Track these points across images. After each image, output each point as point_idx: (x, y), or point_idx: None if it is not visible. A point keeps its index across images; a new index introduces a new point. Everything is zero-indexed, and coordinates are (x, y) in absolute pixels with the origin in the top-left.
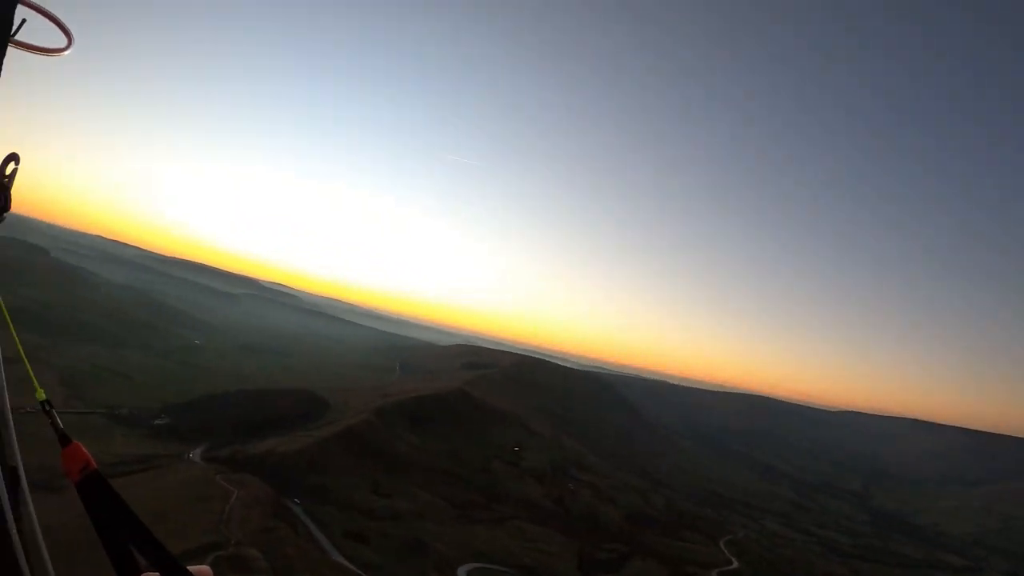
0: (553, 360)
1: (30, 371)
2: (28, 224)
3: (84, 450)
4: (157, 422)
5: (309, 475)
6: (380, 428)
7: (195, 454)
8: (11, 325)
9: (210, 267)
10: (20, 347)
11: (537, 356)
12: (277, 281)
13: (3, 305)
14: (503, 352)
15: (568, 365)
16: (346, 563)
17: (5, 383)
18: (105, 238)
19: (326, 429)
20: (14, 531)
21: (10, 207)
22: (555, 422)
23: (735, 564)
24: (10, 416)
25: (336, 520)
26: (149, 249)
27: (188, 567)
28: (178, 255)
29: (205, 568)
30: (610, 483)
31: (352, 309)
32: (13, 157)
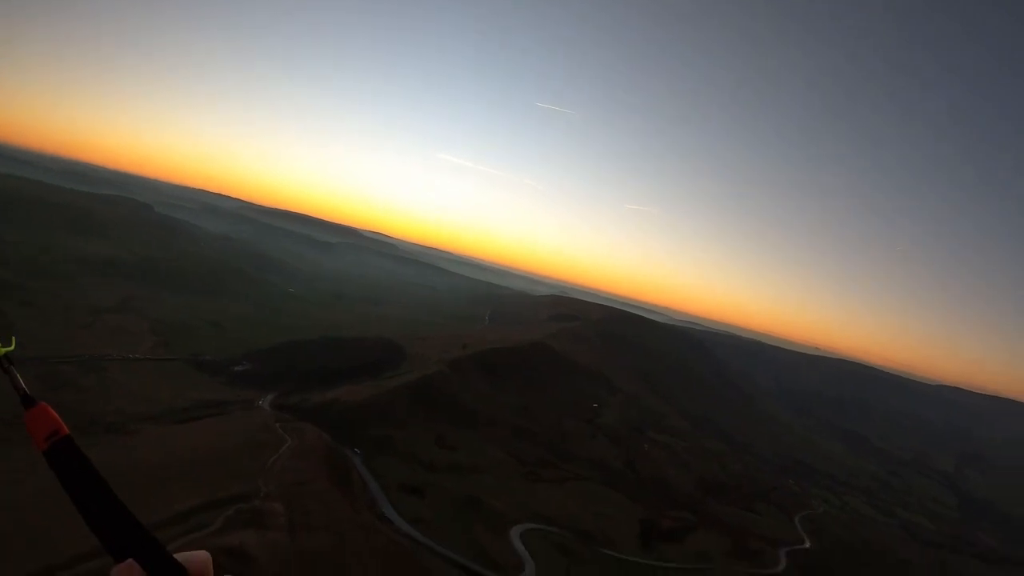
0: (644, 315)
1: None
2: (134, 181)
3: (52, 413)
4: (237, 369)
5: (374, 425)
6: (453, 380)
7: (265, 401)
8: None
9: (311, 217)
10: None
11: (628, 310)
12: (377, 230)
13: None
14: (594, 304)
15: (659, 320)
16: (395, 517)
17: None
18: (208, 191)
19: (398, 379)
20: None
21: None
22: (639, 379)
23: (807, 544)
24: None
25: (394, 472)
26: (251, 201)
27: (183, 552)
28: (279, 206)
29: (202, 553)
30: (687, 446)
31: (449, 257)
32: None
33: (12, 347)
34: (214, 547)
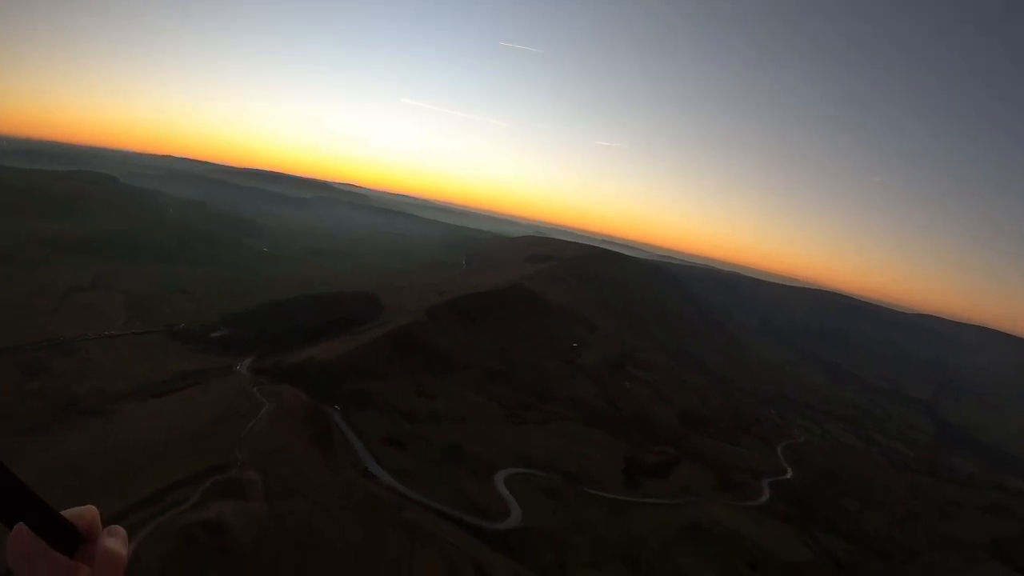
0: (621, 251)
1: None
2: (96, 154)
3: None
4: (214, 335)
5: (352, 380)
6: (430, 328)
7: (243, 366)
8: None
9: (282, 174)
10: None
11: (604, 247)
12: (349, 182)
13: None
14: (569, 243)
15: (636, 256)
16: (378, 471)
17: None
18: (174, 157)
19: (375, 331)
20: None
21: None
22: (617, 317)
23: (789, 474)
24: None
25: (376, 425)
26: (219, 163)
27: (70, 509)
28: (249, 165)
29: (90, 508)
30: (668, 382)
31: (423, 204)
32: None
33: None
34: (192, 522)
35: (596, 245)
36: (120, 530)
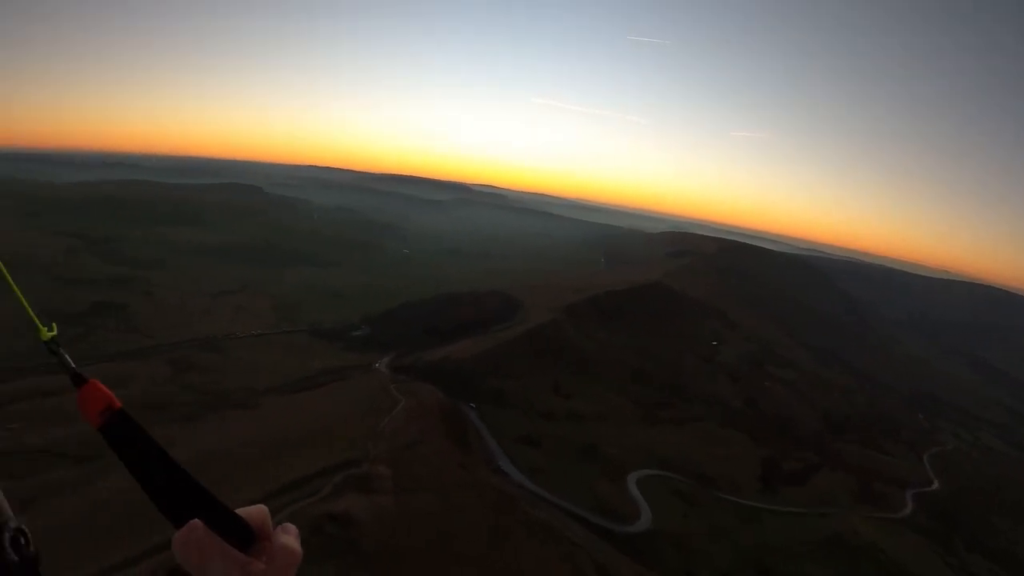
0: (762, 245)
1: (31, 313)
2: (242, 166)
3: (103, 389)
4: (355, 334)
5: (490, 378)
6: (568, 326)
7: (382, 363)
8: (7, 275)
9: (422, 178)
10: (19, 293)
11: (745, 241)
12: (486, 183)
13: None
14: (709, 238)
15: (778, 249)
16: (511, 469)
17: None
18: (318, 166)
19: (513, 330)
20: None
21: None
22: (758, 313)
23: (935, 485)
24: None
25: (511, 424)
26: (362, 170)
27: (242, 508)
28: (390, 171)
29: (260, 507)
30: (810, 381)
31: (560, 203)
32: None
33: (54, 332)
34: (321, 513)
35: (736, 239)
36: (293, 528)
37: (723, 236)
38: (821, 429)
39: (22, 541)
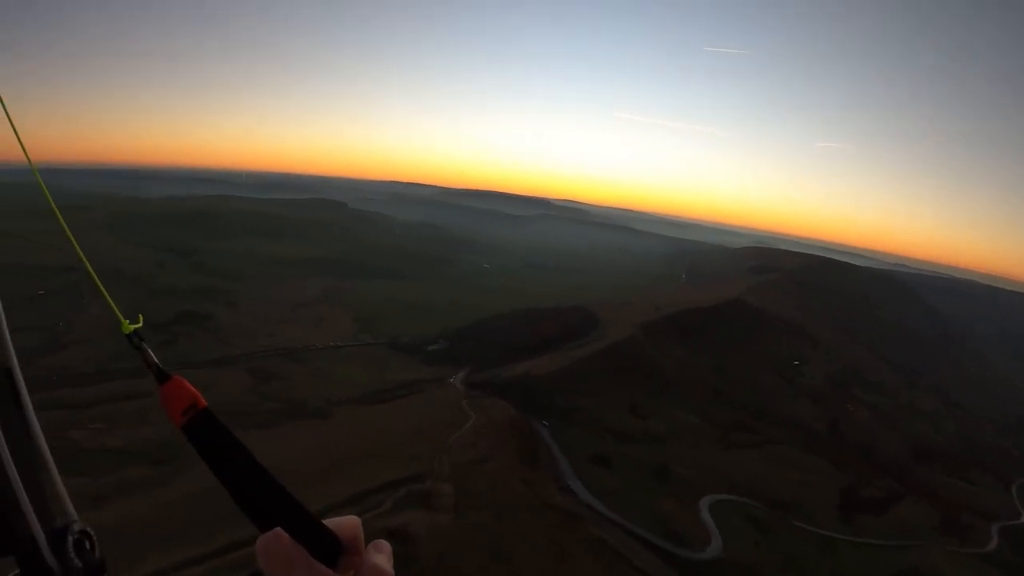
0: (848, 260)
1: (112, 305)
2: (328, 183)
3: (188, 386)
4: (432, 348)
5: (564, 396)
6: (645, 344)
7: (457, 378)
8: (91, 270)
9: (503, 193)
10: (101, 287)
11: (830, 256)
12: (567, 198)
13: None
14: (792, 253)
15: (864, 264)
16: (580, 489)
17: None
18: (401, 182)
19: (590, 347)
20: (0, 439)
21: None
22: (842, 332)
23: (1023, 518)
24: (3, 315)
25: (584, 442)
26: (443, 185)
27: (333, 518)
28: (471, 186)
29: (352, 518)
30: (896, 404)
31: (642, 217)
32: None
33: (140, 324)
34: (380, 528)
35: (821, 254)
36: (386, 545)
37: (807, 251)
38: (905, 455)
39: (87, 545)
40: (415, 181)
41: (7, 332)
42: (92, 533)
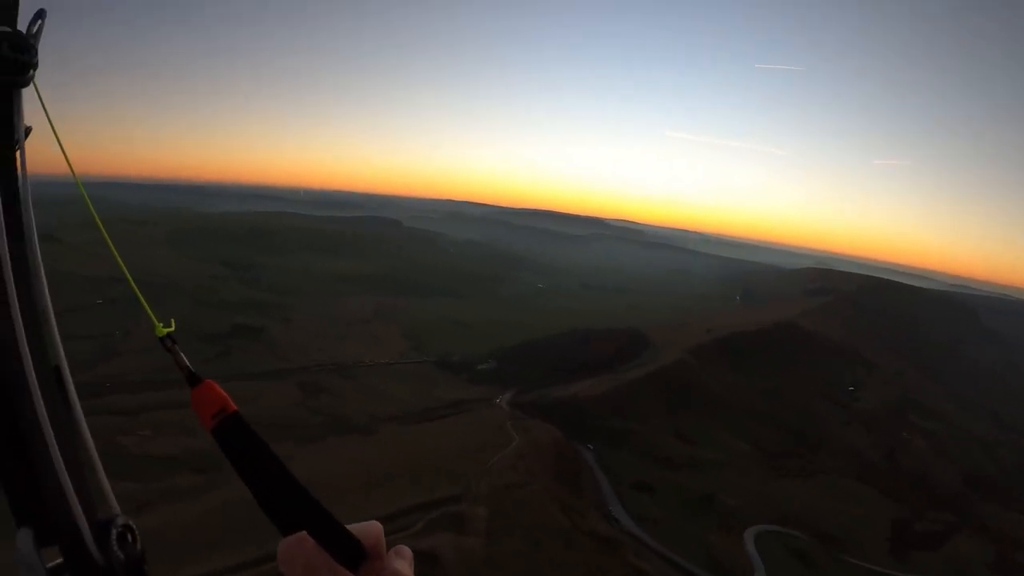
0: (907, 281)
1: (147, 308)
2: (383, 201)
3: (219, 390)
4: (481, 367)
5: (611, 419)
6: (695, 368)
7: (503, 399)
8: (124, 268)
9: (558, 213)
10: (136, 290)
11: (888, 277)
12: (623, 218)
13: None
14: (850, 274)
15: (924, 286)
16: (622, 515)
17: (44, 280)
18: (455, 200)
19: (639, 370)
20: (49, 434)
21: (38, 63)
22: (900, 356)
23: None
24: (52, 313)
25: (628, 467)
26: (498, 204)
27: (355, 524)
28: (527, 205)
29: (375, 524)
30: (954, 433)
31: (698, 238)
32: (41, 14)
33: (172, 327)
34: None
35: (879, 275)
36: (407, 551)
37: (865, 271)
38: (962, 487)
39: (129, 538)
40: (470, 200)
41: (56, 332)
42: (135, 527)
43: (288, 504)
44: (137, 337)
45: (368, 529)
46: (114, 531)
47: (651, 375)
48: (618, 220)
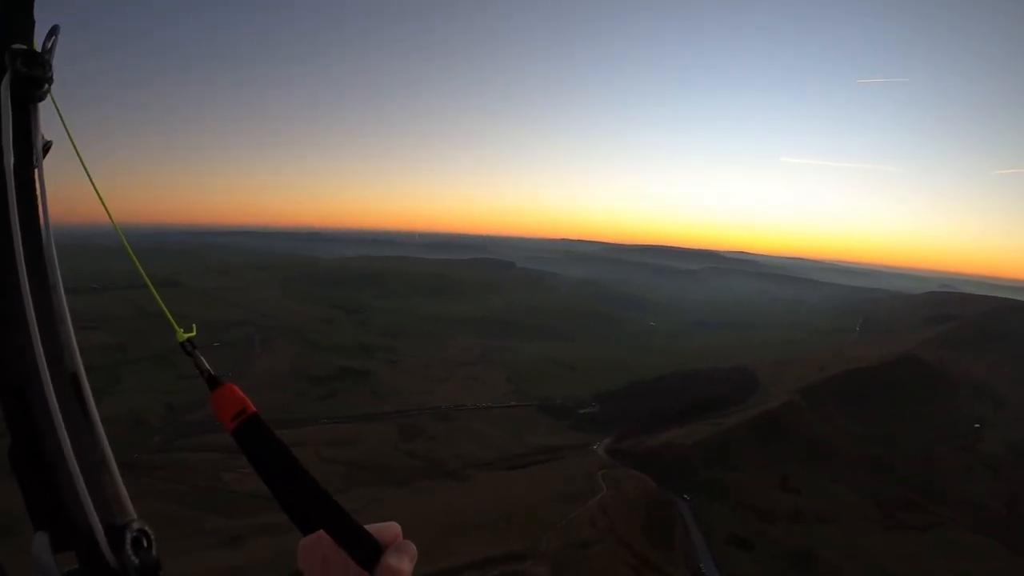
0: None
1: (169, 316)
2: (498, 242)
3: (238, 392)
4: (582, 411)
5: (709, 468)
6: (804, 410)
7: (600, 445)
8: (149, 282)
9: (671, 247)
10: (160, 301)
11: (1018, 298)
12: (737, 249)
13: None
14: (975, 297)
15: None
16: (713, 573)
17: (62, 293)
18: (570, 239)
19: (742, 414)
20: (65, 439)
21: (52, 78)
22: None
23: None
24: (70, 324)
25: (726, 520)
26: (611, 241)
27: (374, 524)
28: (639, 241)
29: (394, 524)
30: None
31: (816, 266)
32: (55, 30)
33: (194, 332)
34: None
35: (1006, 296)
36: (410, 546)
37: (992, 292)
38: None
39: (144, 543)
40: (585, 238)
41: (74, 341)
42: (150, 532)
43: (306, 504)
44: (250, 377)
45: (387, 530)
46: (129, 536)
47: (755, 419)
48: (732, 252)
